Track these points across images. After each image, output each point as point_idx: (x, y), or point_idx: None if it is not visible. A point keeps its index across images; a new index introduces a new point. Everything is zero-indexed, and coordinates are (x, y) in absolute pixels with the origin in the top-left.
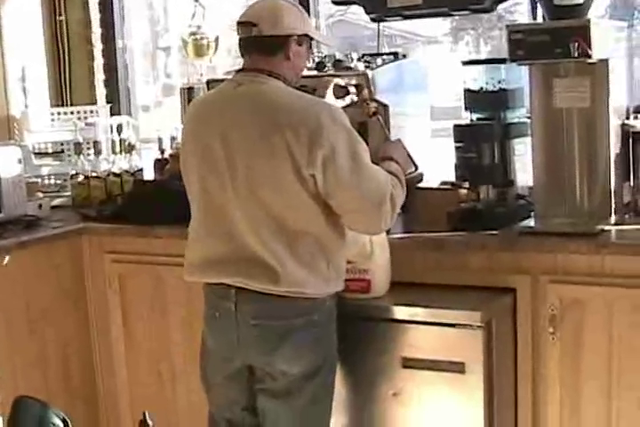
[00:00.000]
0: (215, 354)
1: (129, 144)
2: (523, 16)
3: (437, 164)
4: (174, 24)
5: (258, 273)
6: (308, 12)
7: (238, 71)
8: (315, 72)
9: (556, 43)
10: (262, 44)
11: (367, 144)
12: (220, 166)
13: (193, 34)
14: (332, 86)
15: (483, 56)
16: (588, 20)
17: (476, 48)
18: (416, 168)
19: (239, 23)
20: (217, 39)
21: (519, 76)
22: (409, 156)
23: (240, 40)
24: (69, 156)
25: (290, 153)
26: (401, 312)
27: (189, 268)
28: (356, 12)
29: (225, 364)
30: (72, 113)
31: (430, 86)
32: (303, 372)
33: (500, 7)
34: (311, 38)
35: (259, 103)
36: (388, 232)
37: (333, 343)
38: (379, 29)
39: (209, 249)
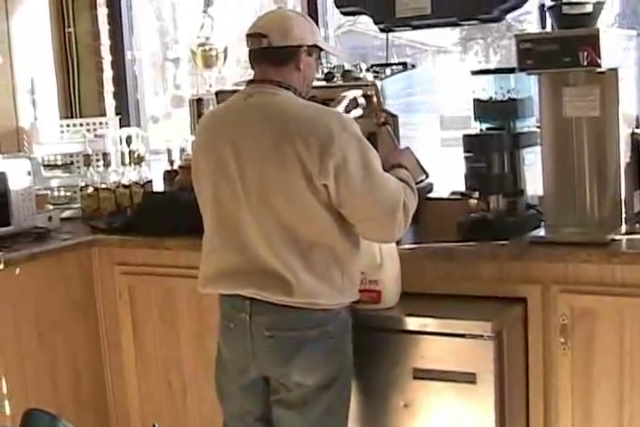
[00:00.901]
0: (230, 365)
1: (138, 156)
2: (532, 25)
3: (447, 173)
4: (184, 35)
5: (271, 285)
6: (316, 22)
7: (249, 83)
8: (324, 83)
9: (564, 52)
10: (273, 55)
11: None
12: (233, 178)
13: (202, 45)
14: (345, 101)
15: (492, 65)
16: (597, 29)
17: (485, 57)
18: (427, 176)
19: (249, 35)
20: (226, 50)
21: (529, 86)
22: (419, 163)
23: (250, 52)
24: (79, 168)
25: (301, 162)
26: (411, 323)
27: (203, 280)
28: (366, 22)
29: (240, 375)
30: (81, 125)
31: (440, 96)
32: (318, 383)
33: (509, 16)
34: (320, 49)
35: (269, 114)
36: (398, 243)
37: (349, 355)
38: (387, 39)
39: (223, 260)
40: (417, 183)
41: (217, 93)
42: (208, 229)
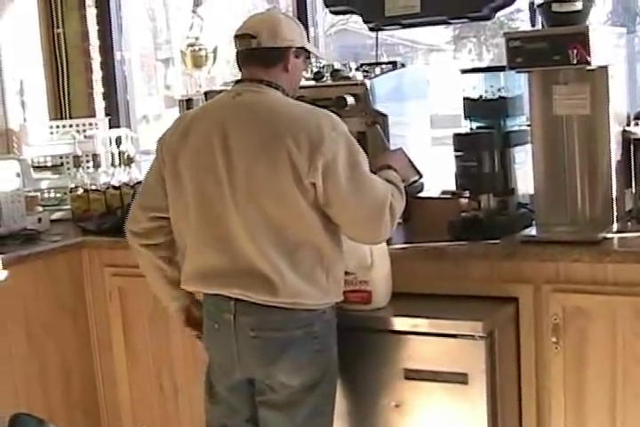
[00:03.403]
0: (216, 366)
1: (128, 157)
2: (524, 23)
3: (438, 172)
4: (176, 35)
5: (256, 285)
6: (306, 22)
7: (237, 82)
8: (313, 82)
9: (554, 50)
10: (261, 56)
11: (367, 154)
12: (221, 176)
13: (191, 45)
14: None
15: (485, 63)
16: (587, 27)
17: (478, 56)
18: (420, 176)
19: (237, 36)
20: (215, 50)
21: (519, 84)
22: (411, 164)
23: (238, 52)
24: (68, 169)
25: (291, 162)
26: (402, 323)
27: (186, 278)
28: (358, 21)
29: (226, 376)
30: (71, 126)
31: (430, 95)
32: (303, 384)
33: (502, 14)
34: (308, 52)
35: (259, 112)
36: (388, 242)
37: (334, 355)
38: (377, 38)
39: (207, 260)
40: (410, 184)
41: (206, 94)
42: (190, 228)
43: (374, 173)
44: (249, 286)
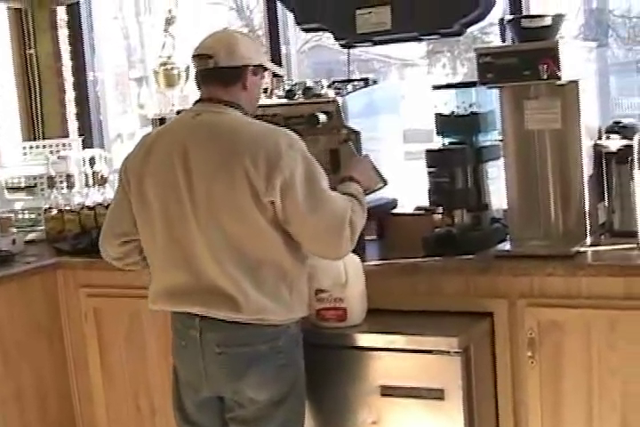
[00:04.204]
0: (185, 384)
1: (102, 177)
2: (498, 37)
3: (412, 188)
4: (150, 54)
5: (219, 303)
6: (277, 39)
7: (196, 102)
8: (285, 100)
9: (525, 65)
10: (219, 75)
11: (339, 171)
12: (182, 196)
13: (163, 64)
14: None
15: (460, 78)
16: (557, 42)
17: (453, 70)
18: (385, 183)
19: (195, 56)
20: (188, 69)
21: (490, 99)
22: (376, 171)
23: (197, 72)
24: (42, 190)
25: (249, 180)
26: (378, 340)
27: (153, 297)
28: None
29: (195, 393)
30: (44, 147)
31: (403, 110)
32: (271, 399)
33: (476, 29)
34: (265, 69)
35: (218, 132)
36: (363, 259)
37: (301, 370)
38: (349, 55)
39: (172, 278)
40: (374, 191)
41: (178, 113)
42: (157, 247)
43: (334, 188)
44: (213, 303)
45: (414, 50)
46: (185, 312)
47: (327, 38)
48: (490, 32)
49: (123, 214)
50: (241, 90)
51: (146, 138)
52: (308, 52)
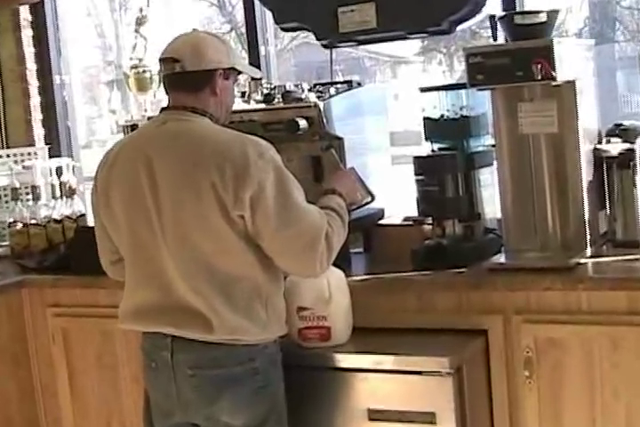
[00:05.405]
0: (155, 407)
1: (70, 188)
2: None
3: (400, 196)
4: (125, 55)
5: (191, 323)
6: (256, 40)
7: (162, 109)
8: (263, 105)
9: (517, 65)
10: (187, 80)
11: (322, 179)
12: (148, 209)
13: (135, 67)
14: None
15: (457, 75)
16: (551, 40)
17: (449, 67)
18: (372, 198)
19: (161, 60)
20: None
21: (482, 102)
22: (363, 185)
23: (164, 77)
24: (6, 202)
25: (216, 194)
26: (364, 361)
27: (122, 316)
28: None
29: (166, 418)
30: (8, 156)
31: (390, 112)
32: (248, 424)
33: (473, 23)
34: (239, 72)
35: (183, 142)
36: (347, 274)
37: (280, 392)
38: (331, 56)
39: (141, 296)
40: (361, 206)
41: (149, 119)
42: (127, 264)
43: (311, 202)
44: (184, 323)
45: (408, 47)
46: (156, 332)
47: None
48: (489, 26)
49: (104, 232)
50: (210, 95)
51: (111, 150)
52: (295, 50)
